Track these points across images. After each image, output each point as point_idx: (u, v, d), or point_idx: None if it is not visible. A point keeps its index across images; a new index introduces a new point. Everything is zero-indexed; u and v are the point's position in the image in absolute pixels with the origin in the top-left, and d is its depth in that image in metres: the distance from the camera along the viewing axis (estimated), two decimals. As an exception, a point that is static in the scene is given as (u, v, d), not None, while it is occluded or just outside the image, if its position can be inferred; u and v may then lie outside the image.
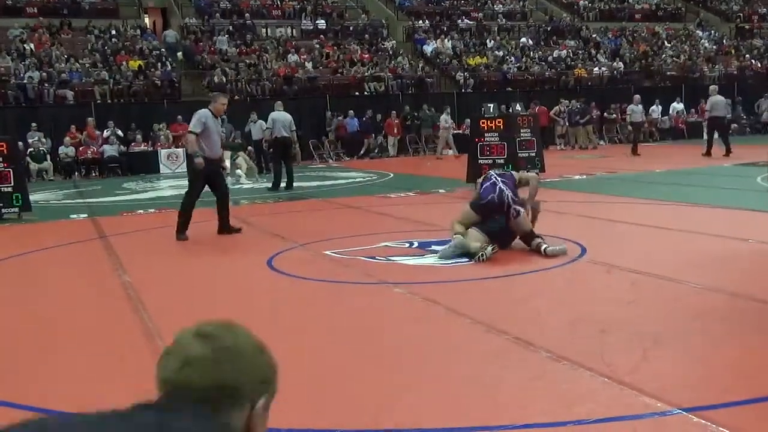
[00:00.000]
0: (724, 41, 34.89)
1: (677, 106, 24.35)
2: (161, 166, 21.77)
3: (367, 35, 29.45)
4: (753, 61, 32.88)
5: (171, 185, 17.27)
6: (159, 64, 24.93)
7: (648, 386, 3.67)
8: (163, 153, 21.93)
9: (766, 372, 3.95)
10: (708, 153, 19.04)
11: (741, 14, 37.51)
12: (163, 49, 26.03)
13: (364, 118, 24.47)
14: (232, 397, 1.30)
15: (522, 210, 7.38)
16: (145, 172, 21.10)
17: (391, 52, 28.46)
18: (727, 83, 30.63)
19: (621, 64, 30.43)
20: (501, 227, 7.38)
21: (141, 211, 12.56)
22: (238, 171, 17.45)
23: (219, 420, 1.27)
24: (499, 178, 7.60)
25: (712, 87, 20.59)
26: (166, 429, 1.18)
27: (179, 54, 26.56)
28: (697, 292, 5.68)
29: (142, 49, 25.51)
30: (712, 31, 35.88)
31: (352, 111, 24.32)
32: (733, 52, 33.64)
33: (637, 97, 22.17)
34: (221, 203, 9.48)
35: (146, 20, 29.82)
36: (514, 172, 8.08)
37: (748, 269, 6.49)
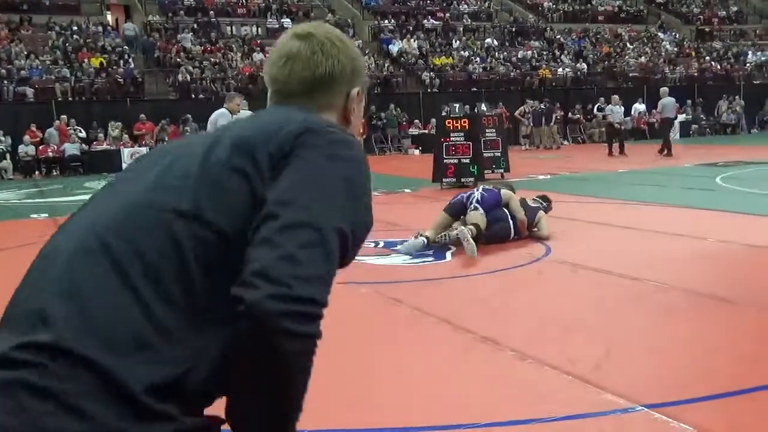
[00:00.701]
0: (685, 43, 35.49)
1: (639, 107, 24.69)
2: (124, 165, 21.48)
3: (332, 34, 29.39)
4: (713, 63, 33.50)
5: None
6: (121, 61, 24.62)
7: (611, 383, 3.71)
8: (126, 152, 21.67)
9: (726, 369, 4.02)
10: (661, 151, 19.46)
11: (701, 17, 38.19)
12: (125, 46, 25.71)
13: None
14: (329, 85, 1.48)
15: (479, 208, 7.55)
16: (108, 171, 20.81)
17: (357, 52, 28.45)
18: (687, 85, 31.20)
19: (584, 65, 30.80)
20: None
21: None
22: None
23: (319, 108, 1.47)
24: (478, 192, 7.84)
25: (663, 89, 20.92)
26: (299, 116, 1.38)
27: (137, 49, 26.20)
28: (659, 290, 5.76)
29: (104, 47, 25.16)
30: (673, 34, 36.47)
31: None
32: (693, 54, 34.24)
33: (615, 97, 21.89)
34: None
35: (108, 17, 29.41)
36: (504, 191, 8.06)
37: (708, 268, 6.60)
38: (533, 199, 8.46)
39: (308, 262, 1.19)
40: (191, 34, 27.04)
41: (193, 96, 23.45)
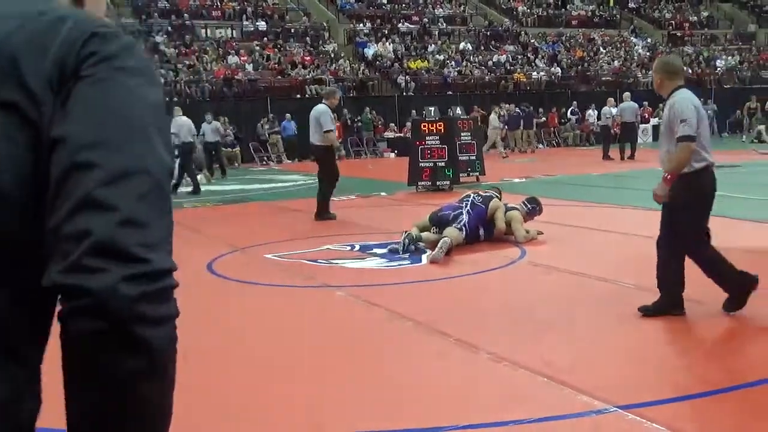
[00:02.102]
0: (657, 48, 35.91)
1: (612, 110, 24.91)
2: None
3: (308, 38, 29.36)
4: (684, 67, 33.88)
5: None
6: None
7: (585, 385, 3.75)
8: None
9: (696, 369, 4.08)
10: (624, 157, 19.61)
11: (673, 22, 38.68)
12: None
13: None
14: None
15: (464, 230, 7.63)
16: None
17: (332, 55, 28.43)
18: (659, 89, 31.52)
19: (558, 70, 31.04)
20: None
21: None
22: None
23: None
24: (466, 209, 7.88)
25: (626, 94, 21.03)
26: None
27: None
28: (633, 292, 5.82)
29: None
30: (646, 38, 36.90)
31: (289, 114, 24.08)
32: (665, 58, 34.62)
33: (611, 99, 21.76)
34: (324, 187, 10.51)
35: (81, 19, 29.13)
36: (492, 203, 8.10)
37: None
38: (521, 203, 8.47)
39: (153, 222, 0.91)
40: (165, 36, 26.86)
41: (167, 99, 23.26)
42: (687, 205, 4.82)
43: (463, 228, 7.67)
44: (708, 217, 4.96)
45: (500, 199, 8.36)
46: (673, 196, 4.83)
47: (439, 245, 7.19)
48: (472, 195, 8.28)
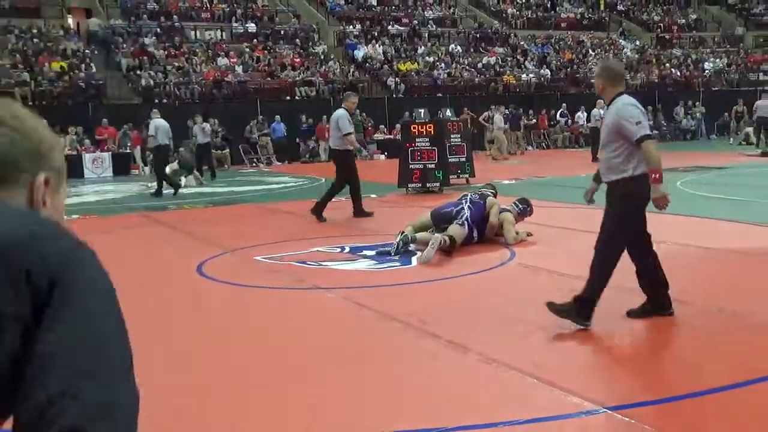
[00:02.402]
0: (646, 50, 36.08)
1: (600, 112, 24.96)
2: (86, 170, 21.22)
3: (298, 39, 29.34)
4: (672, 70, 34.10)
5: (95, 190, 16.84)
6: (83, 65, 24.29)
7: (575, 386, 3.77)
8: (87, 157, 21.38)
9: (686, 370, 4.10)
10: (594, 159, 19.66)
11: (661, 24, 38.86)
12: (86, 50, 25.36)
13: (304, 125, 24.42)
14: (9, 171, 1.19)
15: (465, 225, 7.68)
16: (68, 177, 20.38)
17: (322, 57, 28.42)
18: (648, 91, 31.69)
19: (548, 72, 31.13)
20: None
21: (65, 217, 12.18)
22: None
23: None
24: (467, 205, 7.96)
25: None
26: None
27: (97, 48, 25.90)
28: (620, 293, 5.84)
29: (66, 50, 24.81)
30: (634, 41, 37.06)
31: (278, 116, 24.07)
32: (654, 61, 34.82)
33: (600, 101, 21.67)
34: (353, 189, 10.73)
35: (70, 20, 29.00)
36: (489, 200, 8.17)
37: (668, 270, 6.69)
38: (512, 204, 8.51)
39: None
40: (154, 38, 26.78)
41: (156, 101, 23.22)
42: (626, 207, 4.82)
43: (465, 223, 7.73)
44: (643, 222, 4.94)
45: (496, 196, 8.46)
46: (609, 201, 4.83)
47: (430, 244, 7.21)
48: (469, 194, 8.37)
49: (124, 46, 26.00)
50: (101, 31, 26.80)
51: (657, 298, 5.00)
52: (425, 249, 7.23)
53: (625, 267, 6.75)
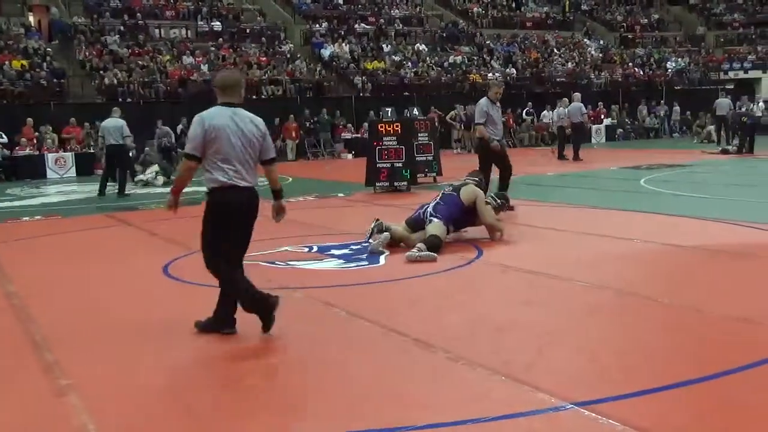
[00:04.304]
0: (610, 49, 36.49)
1: (564, 111, 25.24)
2: (48, 170, 20.87)
3: (264, 38, 29.18)
4: (636, 69, 34.55)
5: (59, 191, 16.57)
6: (44, 64, 23.89)
7: (542, 382, 3.79)
8: (50, 157, 21.03)
9: (650, 365, 4.15)
10: (571, 157, 19.86)
11: (625, 24, 39.36)
12: (48, 48, 24.94)
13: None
14: None
15: (435, 220, 7.68)
16: (31, 177, 20.16)
17: (288, 56, 28.29)
18: (612, 90, 32.08)
19: (513, 70, 31.33)
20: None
21: (27, 218, 11.98)
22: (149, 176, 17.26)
23: None
24: (435, 201, 7.97)
25: (575, 95, 21.28)
26: None
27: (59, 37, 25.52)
28: (587, 289, 5.91)
29: (27, 49, 24.38)
30: (599, 40, 37.47)
31: None
32: (617, 60, 35.24)
33: (564, 100, 21.80)
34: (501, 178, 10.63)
35: (31, 18, 28.49)
36: (465, 190, 8.08)
37: (634, 267, 6.81)
38: (490, 196, 8.56)
39: None
40: (118, 36, 26.43)
41: (120, 100, 22.92)
42: (205, 218, 4.87)
43: (435, 217, 7.71)
44: (227, 235, 4.88)
45: (478, 184, 8.35)
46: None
47: (417, 247, 7.28)
48: (444, 187, 8.37)
49: (87, 43, 25.62)
50: (61, 19, 26.34)
51: (224, 312, 4.91)
52: (408, 245, 7.33)
53: (592, 263, 6.83)
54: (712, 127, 25.56)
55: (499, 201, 8.53)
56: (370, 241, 7.75)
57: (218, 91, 4.93)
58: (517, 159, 21.05)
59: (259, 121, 4.96)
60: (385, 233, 7.66)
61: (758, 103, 28.28)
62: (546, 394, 3.65)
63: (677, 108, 31.00)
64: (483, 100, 10.76)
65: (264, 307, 4.81)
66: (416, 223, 7.88)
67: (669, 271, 6.68)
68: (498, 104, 10.87)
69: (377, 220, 7.96)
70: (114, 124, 14.84)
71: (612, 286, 5.94)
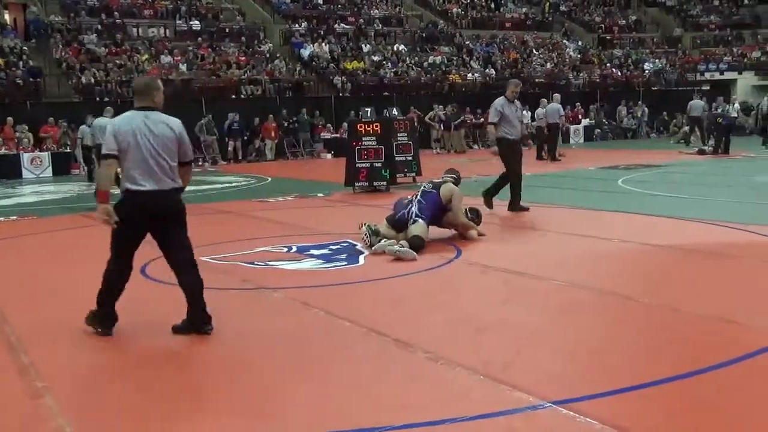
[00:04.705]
0: (588, 50, 36.73)
1: (543, 111, 25.38)
2: (24, 170, 20.63)
3: (243, 38, 29.05)
4: (614, 69, 34.81)
5: (34, 191, 16.39)
6: (20, 63, 23.62)
7: (521, 382, 3.81)
8: (25, 157, 20.80)
9: (627, 363, 4.18)
10: (552, 158, 19.98)
11: (603, 25, 39.63)
12: (24, 47, 24.65)
13: (231, 122, 23.47)
14: None
15: (420, 220, 7.71)
16: (6, 177, 19.93)
17: (268, 55, 28.18)
18: (590, 90, 32.29)
19: (493, 71, 31.44)
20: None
21: (1, 218, 11.84)
22: None
23: None
24: (416, 200, 7.97)
25: (555, 95, 21.39)
26: None
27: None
28: (566, 289, 5.94)
29: (2, 47, 24.08)
30: (577, 41, 37.70)
31: (210, 115, 23.52)
32: (595, 61, 35.48)
33: (543, 101, 21.94)
34: (512, 184, 10.33)
35: (6, 16, 28.15)
36: (444, 188, 8.07)
37: (612, 267, 6.86)
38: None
39: None
40: (95, 35, 26.19)
41: (97, 99, 22.70)
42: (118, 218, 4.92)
43: (419, 218, 7.73)
44: (124, 237, 4.98)
45: (458, 183, 8.37)
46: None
47: (400, 243, 7.33)
48: (423, 184, 8.34)
49: (64, 42, 25.36)
50: (39, 16, 26.04)
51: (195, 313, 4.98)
52: (395, 245, 7.37)
53: (571, 263, 6.86)
54: (688, 128, 25.81)
55: (470, 216, 8.39)
56: (364, 245, 7.77)
57: (135, 96, 5.07)
58: (496, 159, 21.16)
59: (175, 123, 4.98)
60: (390, 240, 7.62)
61: (734, 104, 28.65)
62: (524, 393, 3.66)
63: (645, 109, 31.30)
64: (498, 99, 10.47)
65: (108, 316, 5.01)
66: (399, 223, 7.88)
67: (647, 271, 6.73)
68: (516, 103, 10.61)
69: (365, 224, 7.89)
70: (105, 123, 14.83)
71: (590, 285, 5.97)
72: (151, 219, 4.92)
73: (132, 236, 4.98)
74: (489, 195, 10.41)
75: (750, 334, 4.63)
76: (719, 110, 22.25)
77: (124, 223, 4.88)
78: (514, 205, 10.21)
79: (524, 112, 20.90)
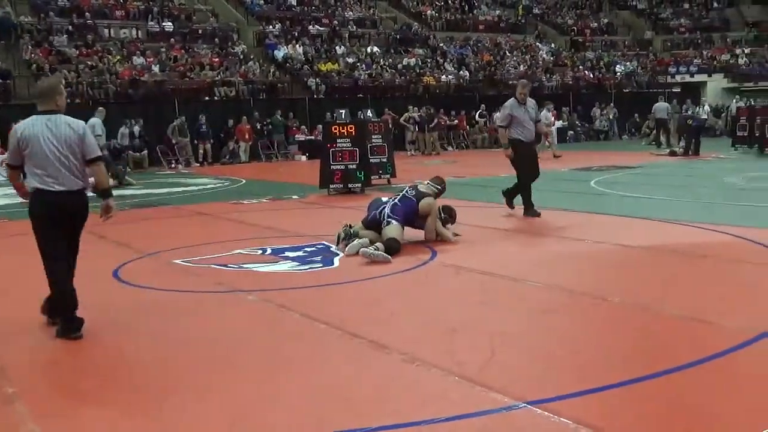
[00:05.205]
0: (561, 52, 37.01)
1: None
2: (-6, 173, 20.32)
3: (216, 39, 28.88)
4: (586, 72, 35.12)
5: (5, 193, 16.14)
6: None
7: (496, 382, 3.82)
8: (-5, 159, 20.48)
9: (600, 363, 4.22)
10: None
11: (575, 28, 39.97)
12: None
13: (199, 125, 23.26)
14: None
15: (392, 221, 7.71)
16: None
17: (241, 57, 28.05)
18: (563, 92, 32.52)
19: (467, 73, 31.56)
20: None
21: (-29, 221, 11.66)
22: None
23: None
24: (391, 202, 7.98)
25: (530, 100, 21.47)
26: None
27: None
28: (540, 290, 5.98)
29: (-30, 48, 23.76)
30: (550, 43, 37.99)
31: (183, 117, 23.36)
32: (568, 63, 35.77)
33: (531, 100, 22.05)
34: (522, 186, 10.17)
35: (-26, 17, 27.73)
36: (423, 203, 8.01)
37: (585, 267, 6.91)
38: (428, 184, 8.49)
39: None
40: (66, 36, 25.88)
41: (68, 101, 22.41)
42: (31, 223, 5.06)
43: (392, 219, 7.74)
44: (47, 236, 5.07)
45: (440, 193, 8.34)
46: None
47: (375, 246, 7.32)
48: (407, 187, 8.32)
49: (34, 43, 25.04)
50: (6, 16, 25.68)
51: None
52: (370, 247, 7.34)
53: (546, 264, 6.91)
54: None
55: (443, 215, 8.39)
56: (338, 246, 7.75)
57: (38, 98, 5.16)
58: (470, 161, 21.30)
59: (78, 124, 5.11)
60: (363, 239, 7.58)
61: (704, 106, 29.04)
62: (499, 393, 3.68)
63: (615, 111, 31.61)
64: (509, 101, 10.20)
65: (67, 318, 5.07)
66: (372, 223, 7.89)
67: (620, 271, 6.79)
68: (529, 103, 10.36)
69: (346, 224, 7.92)
70: (92, 123, 14.89)
71: (564, 286, 6.02)
72: (61, 216, 5.03)
73: (54, 234, 5.07)
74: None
75: (721, 333, 4.69)
76: (690, 112, 22.52)
77: (41, 222, 5.01)
78: (526, 211, 10.00)
79: (545, 111, 20.71)
